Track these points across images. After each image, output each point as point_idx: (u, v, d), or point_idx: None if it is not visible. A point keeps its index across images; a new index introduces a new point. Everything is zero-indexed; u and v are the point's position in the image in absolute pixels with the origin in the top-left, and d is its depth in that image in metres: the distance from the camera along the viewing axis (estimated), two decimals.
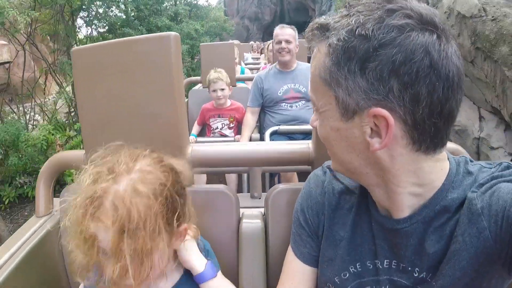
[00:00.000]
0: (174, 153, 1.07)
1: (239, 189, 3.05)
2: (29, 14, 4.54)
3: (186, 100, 3.49)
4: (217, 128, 3.19)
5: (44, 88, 6.46)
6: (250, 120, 3.12)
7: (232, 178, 3.05)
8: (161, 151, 1.01)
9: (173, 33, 1.07)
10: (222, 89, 3.09)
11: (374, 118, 0.61)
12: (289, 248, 0.92)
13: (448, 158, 0.70)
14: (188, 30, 10.45)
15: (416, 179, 0.66)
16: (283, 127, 2.87)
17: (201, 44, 3.96)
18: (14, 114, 5.81)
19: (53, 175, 1.31)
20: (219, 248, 1.11)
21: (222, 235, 1.14)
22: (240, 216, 1.19)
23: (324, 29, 0.64)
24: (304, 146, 1.19)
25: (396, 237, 0.71)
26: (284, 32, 3.01)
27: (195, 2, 13.08)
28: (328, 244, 0.83)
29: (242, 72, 4.96)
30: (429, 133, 0.61)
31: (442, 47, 0.57)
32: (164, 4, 9.97)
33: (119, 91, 1.10)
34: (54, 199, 1.35)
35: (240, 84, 4.28)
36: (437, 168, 0.67)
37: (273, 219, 1.12)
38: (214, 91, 3.10)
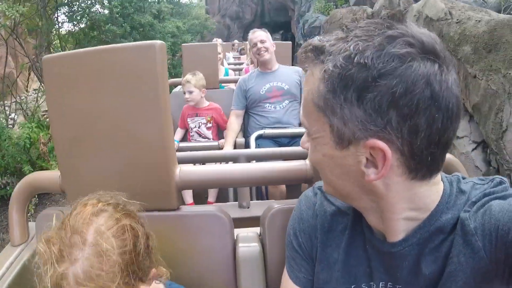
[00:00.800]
0: (161, 174, 1.02)
1: (224, 198, 2.89)
2: (18, 9, 4.61)
3: None
4: (195, 127, 3.23)
5: (27, 85, 6.47)
6: (234, 124, 3.08)
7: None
8: (146, 174, 1.00)
9: (158, 41, 0.98)
10: (190, 92, 3.13)
11: (370, 149, 0.59)
12: (284, 272, 0.90)
13: (442, 179, 0.69)
14: (170, 28, 10.59)
15: (411, 204, 0.65)
16: (268, 131, 2.84)
17: (183, 44, 3.79)
18: None
19: (26, 199, 1.19)
20: (215, 275, 1.07)
21: (217, 260, 1.07)
22: (235, 238, 1.11)
23: (318, 51, 0.61)
24: (301, 163, 1.12)
25: (391, 260, 0.69)
26: (257, 34, 3.10)
27: (177, 0, 13.22)
28: (322, 267, 0.81)
29: (226, 73, 4.83)
30: (425, 162, 0.60)
31: (443, 78, 0.56)
32: (148, 1, 10.06)
33: (97, 106, 0.99)
34: (30, 223, 1.23)
35: (227, 85, 4.21)
36: (432, 191, 0.65)
37: (271, 241, 1.05)
38: (184, 92, 3.18)
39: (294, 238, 0.87)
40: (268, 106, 3.02)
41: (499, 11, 4.85)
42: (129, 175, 1.02)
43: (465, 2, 6.62)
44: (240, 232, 1.14)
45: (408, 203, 0.65)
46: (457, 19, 4.04)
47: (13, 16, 4.59)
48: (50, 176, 1.15)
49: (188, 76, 3.13)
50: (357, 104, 0.56)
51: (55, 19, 7.11)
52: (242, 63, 6.74)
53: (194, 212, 1.10)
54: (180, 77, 3.80)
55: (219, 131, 3.26)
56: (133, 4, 9.17)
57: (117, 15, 8.48)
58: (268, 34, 3.13)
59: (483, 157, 3.89)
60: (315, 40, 0.63)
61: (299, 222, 0.87)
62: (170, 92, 3.76)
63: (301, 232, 0.86)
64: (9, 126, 5.59)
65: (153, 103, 0.97)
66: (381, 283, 0.73)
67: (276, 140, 2.92)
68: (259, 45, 3.03)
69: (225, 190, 2.85)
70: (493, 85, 3.50)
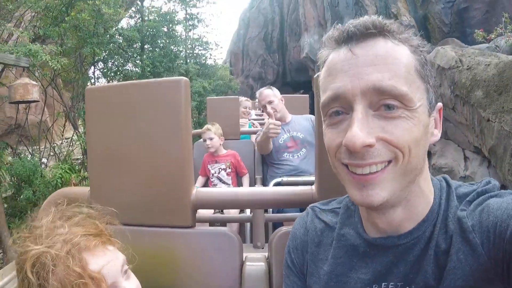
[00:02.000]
0: (179, 193, 1.11)
1: (242, 240, 3.02)
2: (59, 61, 5.10)
3: None
4: (215, 173, 3.44)
5: (63, 131, 6.92)
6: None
7: (233, 228, 3.08)
8: (165, 192, 1.10)
9: (183, 78, 1.12)
10: (211, 138, 3.38)
11: (437, 112, 0.70)
12: None
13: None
14: (197, 87, 11.19)
15: (426, 179, 0.71)
16: (287, 179, 2.92)
17: (207, 98, 4.21)
18: (28, 154, 6.19)
19: None
20: None
21: (224, 277, 1.11)
22: (244, 259, 1.16)
23: (394, 33, 0.66)
24: (307, 188, 1.18)
25: (395, 255, 0.70)
26: (263, 96, 3.21)
27: (204, 61, 14.05)
28: (313, 281, 0.83)
29: (250, 127, 5.03)
30: None
31: None
32: (176, 62, 10.76)
33: (128, 131, 1.13)
34: None
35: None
36: (429, 175, 0.73)
37: (277, 262, 1.07)
38: (204, 140, 3.44)
39: (288, 255, 0.91)
40: (287, 155, 3.14)
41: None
42: (151, 194, 1.12)
43: (478, 49, 6.87)
44: (249, 254, 1.19)
45: (426, 175, 0.71)
46: (468, 66, 4.22)
47: (55, 67, 5.05)
48: (80, 191, 1.26)
49: (208, 125, 3.43)
50: (432, 75, 0.68)
51: (92, 73, 7.71)
52: (263, 118, 7.05)
53: (207, 231, 1.19)
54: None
55: (238, 178, 3.46)
56: (163, 64, 9.84)
57: (149, 74, 9.10)
58: (275, 91, 3.27)
59: None
60: (384, 20, 0.67)
61: (293, 240, 0.91)
62: (194, 142, 4.01)
63: (294, 249, 0.90)
64: (43, 168, 5.94)
65: (176, 131, 1.10)
66: (374, 285, 0.73)
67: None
68: (268, 107, 3.15)
69: (243, 232, 2.96)
70: (506, 126, 3.57)
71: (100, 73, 8.71)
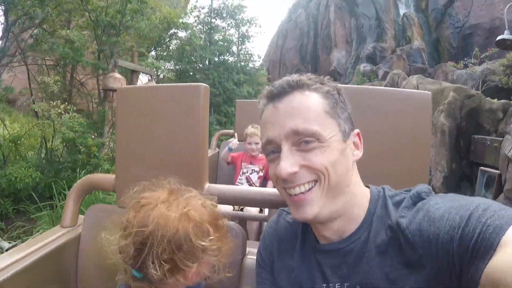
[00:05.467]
0: (193, 187, 1.12)
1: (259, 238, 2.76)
2: (171, 75, 8.42)
3: (217, 150, 3.98)
4: (247, 172, 3.45)
5: None
6: None
7: (253, 226, 3.15)
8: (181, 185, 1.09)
9: (203, 84, 1.19)
10: (257, 143, 3.39)
11: (355, 136, 0.84)
12: None
13: (369, 187, 0.86)
14: (244, 93, 14.13)
15: (358, 189, 0.83)
16: None
17: (237, 100, 4.21)
18: None
19: (83, 193, 1.38)
20: (221, 283, 1.09)
21: (226, 268, 1.07)
22: (246, 253, 1.20)
23: (308, 85, 0.81)
24: None
25: (337, 258, 0.80)
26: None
27: (248, 68, 16.39)
28: (282, 276, 0.91)
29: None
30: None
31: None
32: (232, 73, 13.94)
33: (153, 129, 1.22)
34: (80, 215, 1.41)
35: None
36: (363, 187, 0.85)
37: None
38: (249, 143, 3.42)
39: (259, 254, 1.01)
40: None
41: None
42: None
43: (459, 74, 8.83)
44: (252, 249, 1.22)
45: (359, 187, 0.84)
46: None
47: (171, 78, 8.27)
48: (106, 177, 1.37)
49: (252, 129, 3.40)
50: (345, 109, 0.84)
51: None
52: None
53: None
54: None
55: (264, 182, 3.53)
56: (224, 76, 13.12)
57: (217, 83, 12.44)
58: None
59: None
60: (298, 77, 0.82)
61: (263, 240, 1.01)
62: (222, 141, 4.32)
63: (263, 249, 0.99)
64: None
65: (194, 131, 1.21)
66: (330, 285, 0.82)
67: None
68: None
69: (262, 230, 3.13)
70: None
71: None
